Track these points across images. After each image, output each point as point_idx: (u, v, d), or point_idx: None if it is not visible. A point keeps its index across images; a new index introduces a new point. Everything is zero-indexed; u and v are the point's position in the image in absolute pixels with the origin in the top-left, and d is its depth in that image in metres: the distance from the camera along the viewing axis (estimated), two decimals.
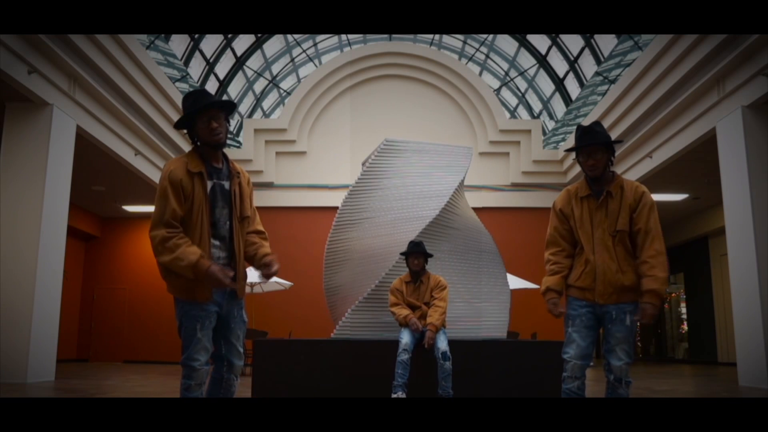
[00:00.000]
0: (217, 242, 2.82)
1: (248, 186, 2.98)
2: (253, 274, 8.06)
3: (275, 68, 17.84)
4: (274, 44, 16.87)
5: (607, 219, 3.11)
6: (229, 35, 15.09)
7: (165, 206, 2.70)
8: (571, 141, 13.76)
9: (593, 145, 3.10)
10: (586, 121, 13.59)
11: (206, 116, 2.78)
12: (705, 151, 10.09)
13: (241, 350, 2.94)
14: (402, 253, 5.93)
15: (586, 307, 3.12)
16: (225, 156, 2.92)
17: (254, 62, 16.76)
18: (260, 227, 3.02)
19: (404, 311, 5.60)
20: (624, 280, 3.05)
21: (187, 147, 13.39)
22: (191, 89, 14.08)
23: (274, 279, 12.14)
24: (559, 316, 3.19)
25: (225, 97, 16.28)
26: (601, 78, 14.05)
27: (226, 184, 2.85)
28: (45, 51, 8.23)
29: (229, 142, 15.52)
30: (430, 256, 5.86)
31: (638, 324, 3.12)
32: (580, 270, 3.15)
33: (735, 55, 8.28)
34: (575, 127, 3.28)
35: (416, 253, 5.71)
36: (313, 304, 13.29)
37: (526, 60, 17.07)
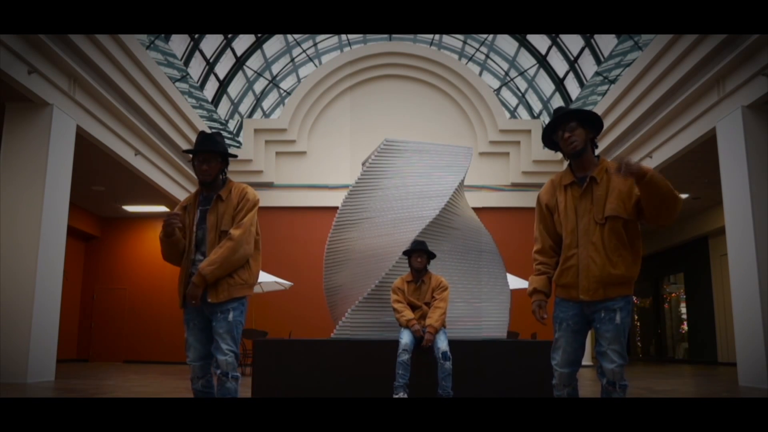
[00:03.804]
0: (200, 257, 3.31)
1: (239, 202, 3.33)
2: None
3: (275, 68, 17.83)
4: (274, 44, 16.86)
5: (594, 206, 2.82)
6: (229, 35, 15.08)
7: None
8: None
9: (566, 117, 2.86)
10: None
11: (200, 158, 3.31)
12: (705, 151, 10.09)
13: (225, 346, 3.19)
14: (405, 252, 5.89)
15: (573, 309, 2.88)
16: (223, 184, 3.39)
17: (254, 62, 16.76)
18: (232, 230, 3.26)
19: (408, 314, 5.57)
20: (612, 271, 2.76)
21: (187, 147, 13.42)
22: (190, 89, 14.10)
23: (274, 279, 12.13)
24: (542, 321, 2.97)
25: (225, 98, 16.28)
26: (601, 78, 14.05)
27: (208, 208, 3.35)
28: (45, 51, 8.23)
29: (229, 142, 15.52)
30: (434, 256, 5.85)
31: (632, 314, 2.92)
32: (562, 266, 2.90)
33: (735, 55, 8.28)
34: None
35: (419, 251, 5.69)
36: (313, 304, 13.29)
37: (526, 60, 17.06)
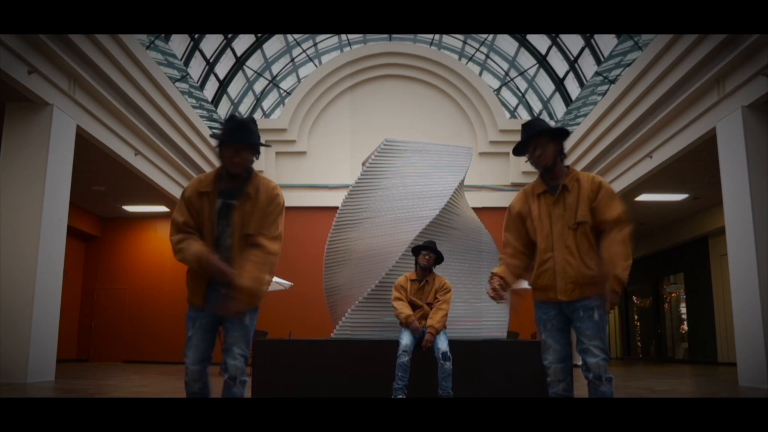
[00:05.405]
0: (218, 256, 3.00)
1: (268, 205, 3.04)
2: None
3: (275, 68, 17.84)
4: (274, 44, 16.87)
5: (566, 212, 3.02)
6: (229, 35, 15.08)
7: (178, 217, 3.07)
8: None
9: (534, 136, 3.08)
10: (585, 122, 13.59)
11: (234, 148, 2.97)
12: (705, 151, 10.08)
13: (238, 351, 3.00)
14: (413, 248, 5.82)
15: (554, 310, 3.02)
16: (249, 176, 3.06)
17: (254, 62, 16.76)
18: (264, 242, 3.00)
19: (407, 310, 5.54)
20: (587, 273, 2.94)
21: (187, 147, 13.40)
22: (190, 89, 14.05)
23: (274, 279, 12.13)
24: (499, 301, 3.07)
25: (225, 98, 16.28)
26: (601, 78, 14.05)
27: (234, 203, 3.03)
28: (45, 51, 8.22)
29: None
30: (441, 258, 5.81)
31: (608, 316, 3.02)
32: (539, 269, 3.06)
33: (735, 55, 8.28)
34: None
35: (428, 249, 5.67)
36: (313, 304, 13.29)
37: (526, 60, 17.07)
